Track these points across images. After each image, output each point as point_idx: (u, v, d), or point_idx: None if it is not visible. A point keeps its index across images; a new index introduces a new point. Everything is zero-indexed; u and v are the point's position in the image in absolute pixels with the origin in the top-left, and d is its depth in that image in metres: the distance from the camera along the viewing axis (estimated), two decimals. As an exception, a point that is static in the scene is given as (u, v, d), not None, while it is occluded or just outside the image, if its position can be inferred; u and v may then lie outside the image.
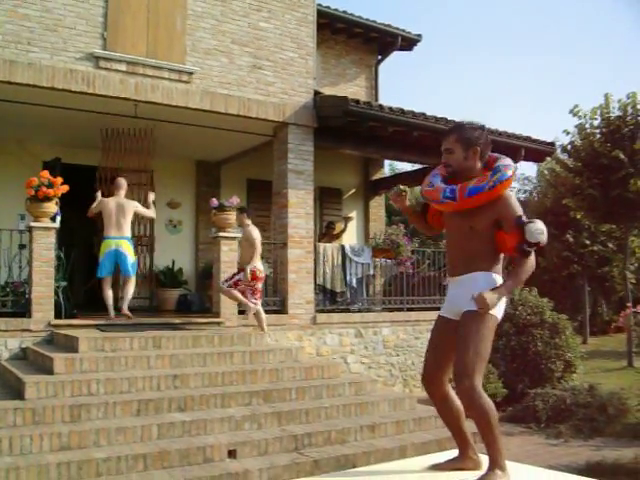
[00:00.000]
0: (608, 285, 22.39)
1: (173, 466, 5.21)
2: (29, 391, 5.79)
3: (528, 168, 26.60)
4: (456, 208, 3.75)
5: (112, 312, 8.22)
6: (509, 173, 3.63)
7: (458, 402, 3.74)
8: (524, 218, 3.56)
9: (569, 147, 15.54)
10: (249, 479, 5.17)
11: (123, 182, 8.52)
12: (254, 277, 8.14)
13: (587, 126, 14.88)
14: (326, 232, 12.15)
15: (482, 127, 3.79)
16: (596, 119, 14.80)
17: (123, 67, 8.30)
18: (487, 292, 3.51)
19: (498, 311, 3.60)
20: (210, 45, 8.95)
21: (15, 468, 4.71)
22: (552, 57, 67.47)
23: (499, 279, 3.66)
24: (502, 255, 3.75)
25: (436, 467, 3.80)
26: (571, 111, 14.78)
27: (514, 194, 3.78)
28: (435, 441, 6.34)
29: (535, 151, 11.90)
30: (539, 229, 3.54)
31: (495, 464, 3.46)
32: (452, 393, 3.78)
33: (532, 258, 3.60)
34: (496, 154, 3.79)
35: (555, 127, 47.83)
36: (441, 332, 3.78)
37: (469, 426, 3.74)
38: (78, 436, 5.26)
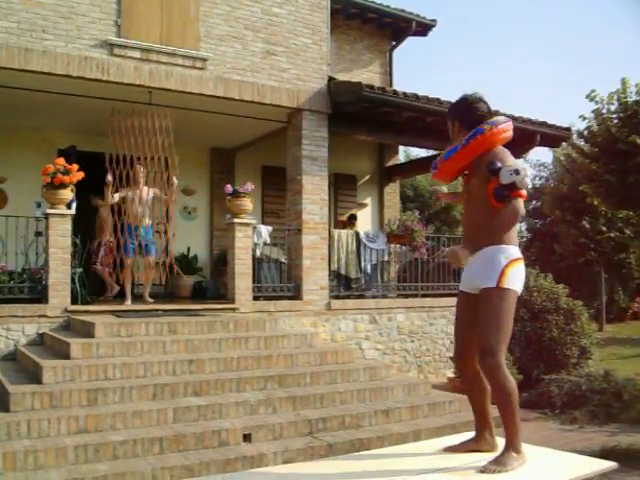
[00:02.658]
0: (625, 272, 22.27)
1: (189, 449, 5.26)
2: (46, 375, 5.86)
3: (544, 154, 26.41)
4: (440, 176, 3.84)
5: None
6: (484, 127, 3.55)
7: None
8: (499, 163, 3.42)
9: (585, 132, 15.37)
10: (264, 462, 5.20)
11: None
12: None
13: (604, 111, 14.69)
14: (348, 225, 12.01)
15: (462, 100, 3.78)
16: (613, 104, 14.60)
17: (137, 54, 8.31)
18: (458, 247, 3.57)
19: (517, 284, 3.55)
20: (223, 31, 8.93)
21: (33, 451, 4.79)
22: (569, 39, 66.76)
23: (513, 249, 3.57)
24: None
25: (451, 449, 3.82)
26: (588, 96, 14.60)
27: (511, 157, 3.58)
28: (450, 426, 6.36)
29: (551, 136, 11.79)
30: (512, 169, 3.35)
31: (511, 445, 3.46)
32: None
33: (513, 205, 3.44)
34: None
35: (572, 113, 47.43)
36: (465, 307, 3.77)
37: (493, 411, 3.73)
38: (95, 420, 5.32)
